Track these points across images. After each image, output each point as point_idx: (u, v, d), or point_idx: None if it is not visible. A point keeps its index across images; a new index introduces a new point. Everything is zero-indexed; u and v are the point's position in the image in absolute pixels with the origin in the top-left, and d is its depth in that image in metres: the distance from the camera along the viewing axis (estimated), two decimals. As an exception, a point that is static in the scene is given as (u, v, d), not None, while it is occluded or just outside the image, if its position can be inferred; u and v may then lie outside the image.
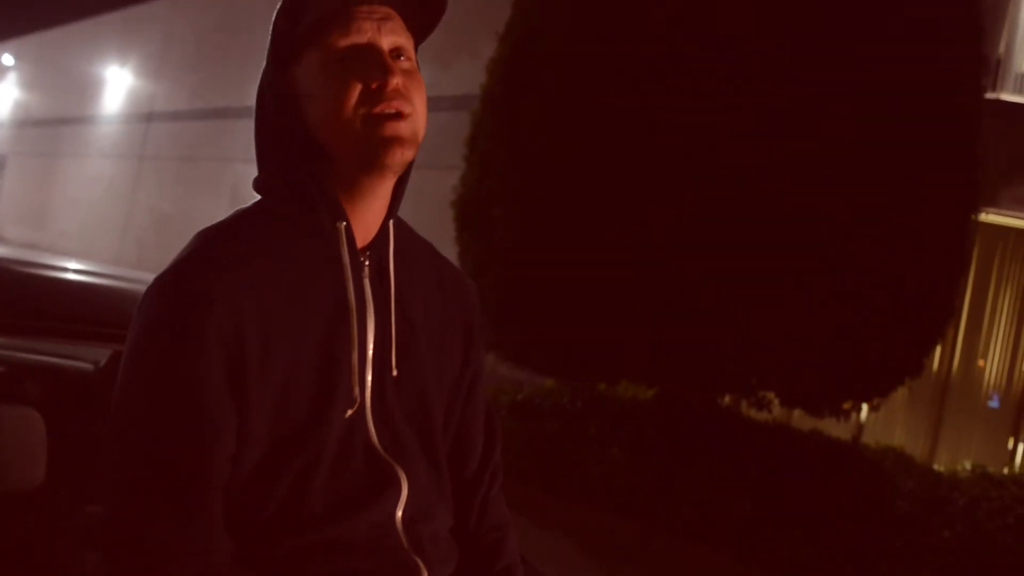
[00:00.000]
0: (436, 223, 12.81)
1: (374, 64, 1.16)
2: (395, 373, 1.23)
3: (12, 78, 36.45)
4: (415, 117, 1.18)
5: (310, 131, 1.20)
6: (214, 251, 1.16)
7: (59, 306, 2.09)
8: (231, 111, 22.11)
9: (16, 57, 36.19)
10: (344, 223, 1.20)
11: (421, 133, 1.21)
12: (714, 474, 6.18)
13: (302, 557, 1.12)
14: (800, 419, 8.50)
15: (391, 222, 1.27)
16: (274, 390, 1.13)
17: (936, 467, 8.66)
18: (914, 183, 6.26)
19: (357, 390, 1.18)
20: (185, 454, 1.08)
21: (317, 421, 1.15)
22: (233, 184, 21.46)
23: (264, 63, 1.26)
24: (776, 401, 7.12)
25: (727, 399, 8.31)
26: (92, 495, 1.86)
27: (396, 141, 1.16)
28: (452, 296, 1.35)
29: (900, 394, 10.96)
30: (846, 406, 7.06)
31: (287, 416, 1.14)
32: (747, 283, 6.20)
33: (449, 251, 9.68)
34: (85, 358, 3.72)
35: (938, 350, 10.72)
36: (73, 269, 2.67)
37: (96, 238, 27.50)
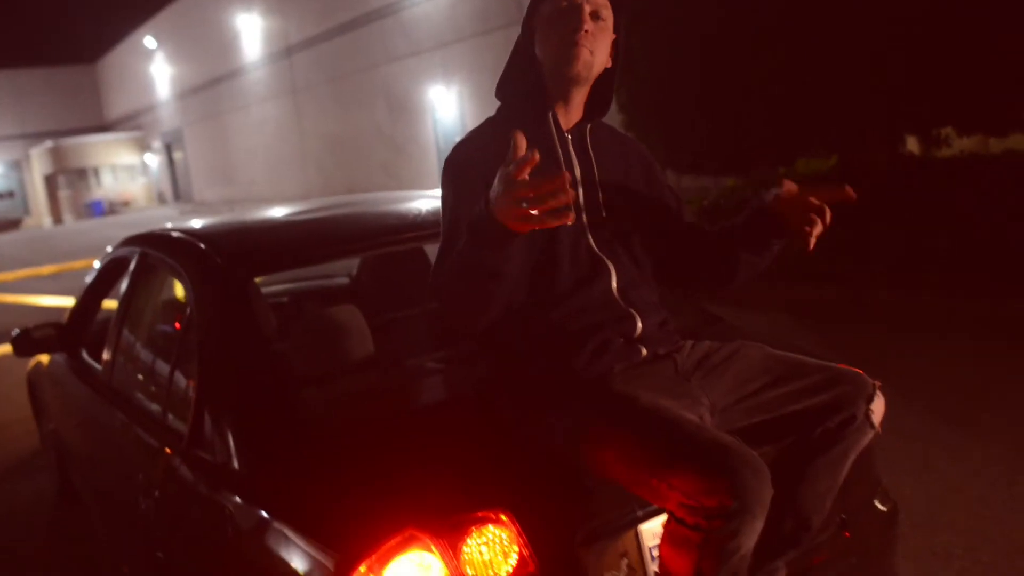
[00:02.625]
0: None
1: (575, 18, 1.84)
2: (601, 203, 1.91)
3: (160, 57, 38.79)
4: (596, 52, 1.86)
5: (537, 56, 1.90)
6: (472, 139, 1.91)
7: (322, 238, 2.78)
8: (359, 20, 22.83)
9: (156, 37, 38.40)
10: (551, 112, 1.90)
11: (596, 65, 1.88)
12: (906, 222, 6.45)
13: (567, 317, 1.83)
14: (996, 145, 8.40)
15: (588, 125, 1.95)
16: None
17: None
18: None
19: (575, 210, 1.85)
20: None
21: (553, 234, 1.84)
22: (384, 86, 22.36)
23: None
24: (954, 133, 7.16)
25: (909, 147, 8.33)
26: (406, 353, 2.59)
27: (575, 57, 1.84)
28: (631, 155, 2.04)
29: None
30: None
31: (535, 234, 1.73)
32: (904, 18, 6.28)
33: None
34: (340, 274, 4.57)
35: None
36: (308, 210, 3.32)
37: (281, 178, 29.50)
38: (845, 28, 6.50)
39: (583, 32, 1.82)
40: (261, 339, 2.27)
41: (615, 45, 1.92)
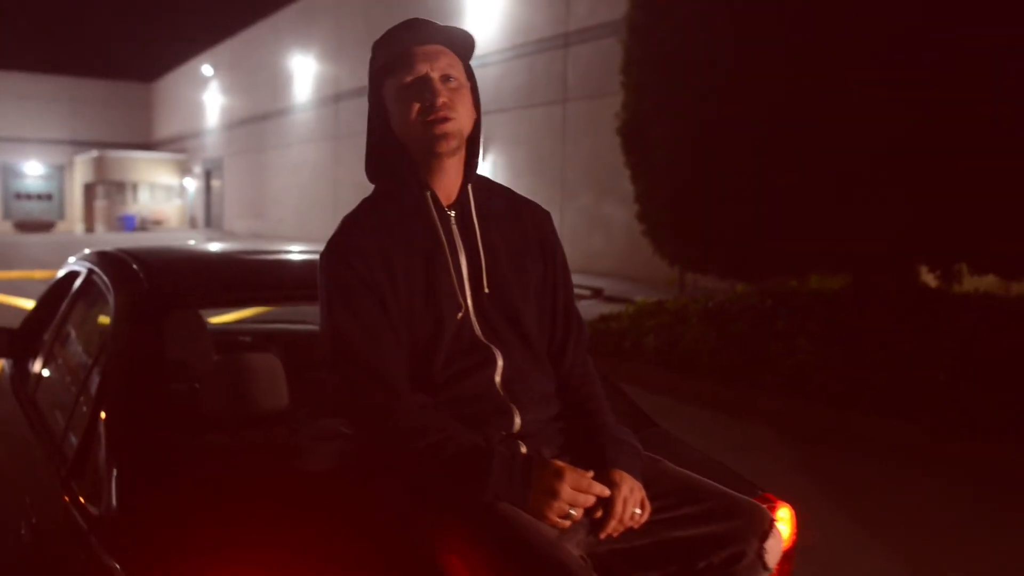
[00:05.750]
0: (607, 149, 13.14)
1: (427, 91, 1.71)
2: (487, 290, 1.76)
3: (214, 86, 39.59)
4: (458, 120, 1.73)
5: (395, 134, 1.77)
6: (349, 230, 1.76)
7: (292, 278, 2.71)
8: (408, 78, 23.17)
9: (213, 66, 39.26)
10: (429, 192, 1.77)
11: (465, 128, 1.76)
12: (906, 351, 6.28)
13: (445, 408, 1.70)
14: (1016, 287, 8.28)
15: (469, 185, 1.81)
16: (404, 308, 1.71)
17: None
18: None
19: (461, 300, 1.74)
20: (364, 349, 1.67)
21: (438, 324, 1.73)
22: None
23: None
24: (965, 270, 7.05)
25: (924, 276, 8.21)
26: (323, 412, 2.50)
27: (443, 136, 1.71)
28: (527, 224, 1.88)
29: None
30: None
31: (418, 324, 1.72)
32: (932, 154, 6.22)
33: (621, 175, 10.04)
34: (313, 321, 4.48)
35: None
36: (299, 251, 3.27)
37: (309, 219, 29.71)
38: (876, 153, 6.45)
39: (440, 104, 1.71)
40: (160, 375, 2.16)
41: (473, 92, 1.81)
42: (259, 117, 34.61)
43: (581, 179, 17.36)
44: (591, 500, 1.58)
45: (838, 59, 6.39)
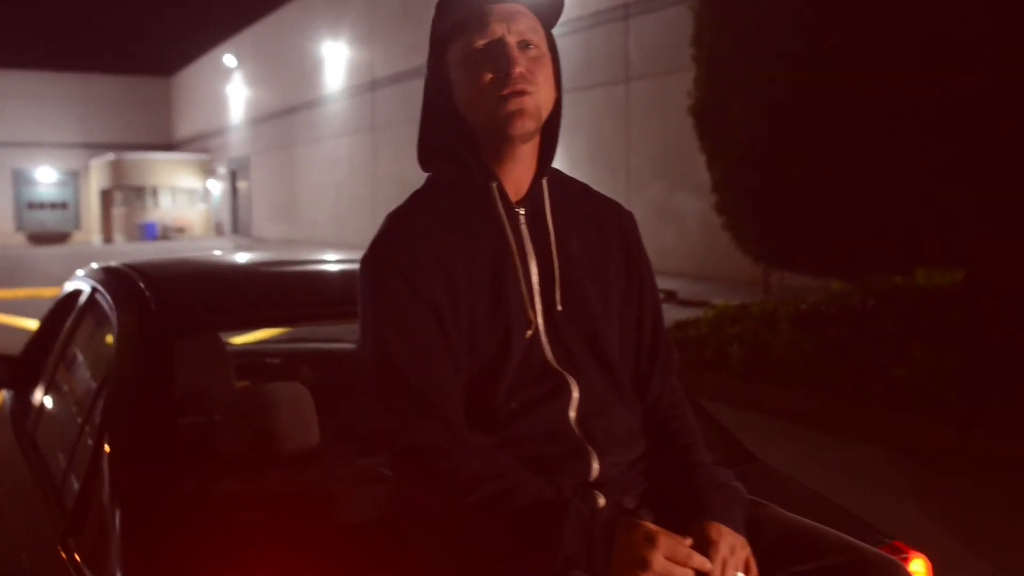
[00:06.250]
0: (678, 132, 12.96)
1: (502, 56, 1.56)
2: (559, 306, 1.63)
3: (238, 78, 40.12)
4: (537, 94, 1.58)
5: (459, 110, 1.63)
6: (396, 230, 1.63)
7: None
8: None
9: (236, 56, 39.78)
10: (495, 183, 1.63)
11: (544, 107, 1.61)
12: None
13: (506, 448, 1.56)
14: None
15: (544, 179, 1.68)
16: (465, 325, 1.58)
17: None
18: None
19: (531, 314, 1.60)
20: (414, 376, 1.52)
21: (504, 345, 1.58)
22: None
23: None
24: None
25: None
26: (361, 451, 2.38)
27: (518, 114, 1.56)
28: (608, 226, 1.75)
29: None
30: None
31: (480, 344, 1.59)
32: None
33: (695, 161, 9.86)
34: (350, 339, 4.38)
35: None
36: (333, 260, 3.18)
37: (346, 222, 29.88)
38: (995, 117, 6.20)
39: (517, 74, 1.55)
40: (169, 409, 2.07)
41: (555, 66, 1.65)
42: (288, 110, 34.95)
43: (648, 167, 17.15)
44: (689, 574, 1.42)
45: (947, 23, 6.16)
